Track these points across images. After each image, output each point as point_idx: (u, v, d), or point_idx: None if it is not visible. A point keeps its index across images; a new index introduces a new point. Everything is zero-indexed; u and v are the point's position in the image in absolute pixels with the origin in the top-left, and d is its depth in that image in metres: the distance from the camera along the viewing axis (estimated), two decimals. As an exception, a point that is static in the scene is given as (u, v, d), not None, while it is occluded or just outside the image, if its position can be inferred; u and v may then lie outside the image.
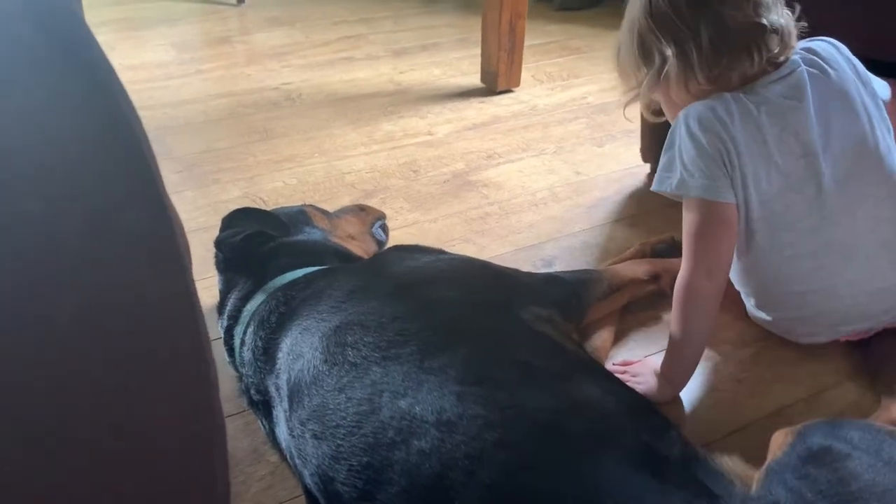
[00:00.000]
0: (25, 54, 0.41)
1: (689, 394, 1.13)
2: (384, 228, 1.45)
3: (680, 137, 1.04)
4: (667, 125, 1.11)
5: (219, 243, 1.17)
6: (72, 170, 0.42)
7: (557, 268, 1.44)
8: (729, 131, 1.00)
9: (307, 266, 1.12)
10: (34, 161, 0.40)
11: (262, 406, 1.01)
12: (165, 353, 0.52)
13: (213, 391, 0.57)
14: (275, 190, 1.73)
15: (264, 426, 1.02)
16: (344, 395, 0.85)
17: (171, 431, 0.57)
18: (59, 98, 0.41)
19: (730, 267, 1.07)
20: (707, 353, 1.19)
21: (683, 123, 1.03)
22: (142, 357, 0.51)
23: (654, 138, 1.14)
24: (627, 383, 1.04)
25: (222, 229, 1.21)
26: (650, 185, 1.09)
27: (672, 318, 1.07)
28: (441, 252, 1.15)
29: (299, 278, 1.08)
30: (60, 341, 0.47)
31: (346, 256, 1.21)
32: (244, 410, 1.09)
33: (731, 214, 1.03)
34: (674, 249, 1.40)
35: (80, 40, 0.44)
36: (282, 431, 0.95)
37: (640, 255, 1.39)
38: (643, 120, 1.54)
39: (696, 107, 1.03)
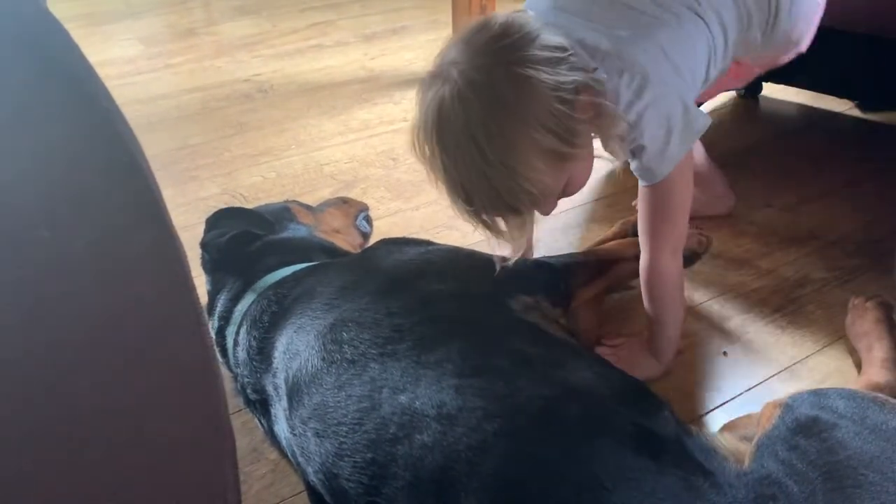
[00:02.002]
0: (30, 90, 0.41)
1: (675, 371, 1.16)
2: (368, 220, 1.45)
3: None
4: None
5: (205, 245, 1.17)
6: (80, 197, 0.42)
7: (540, 250, 1.45)
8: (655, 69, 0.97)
9: (295, 263, 1.12)
10: (45, 190, 0.41)
11: (260, 405, 1.02)
12: (174, 369, 0.53)
13: (221, 404, 0.58)
14: (254, 185, 1.72)
15: (262, 425, 1.03)
16: (344, 393, 0.86)
17: (180, 444, 0.58)
18: (68, 130, 0.41)
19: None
20: (689, 329, 1.23)
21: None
22: (151, 374, 0.51)
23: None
24: (616, 364, 1.06)
25: (207, 230, 1.21)
26: (626, 164, 1.09)
27: (644, 301, 1.10)
28: (429, 243, 1.16)
29: (288, 276, 1.09)
30: (70, 362, 0.47)
31: (332, 251, 1.22)
32: (241, 409, 1.10)
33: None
34: (654, 227, 1.42)
35: (80, 69, 0.44)
36: (282, 429, 0.95)
37: (622, 233, 1.41)
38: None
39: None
